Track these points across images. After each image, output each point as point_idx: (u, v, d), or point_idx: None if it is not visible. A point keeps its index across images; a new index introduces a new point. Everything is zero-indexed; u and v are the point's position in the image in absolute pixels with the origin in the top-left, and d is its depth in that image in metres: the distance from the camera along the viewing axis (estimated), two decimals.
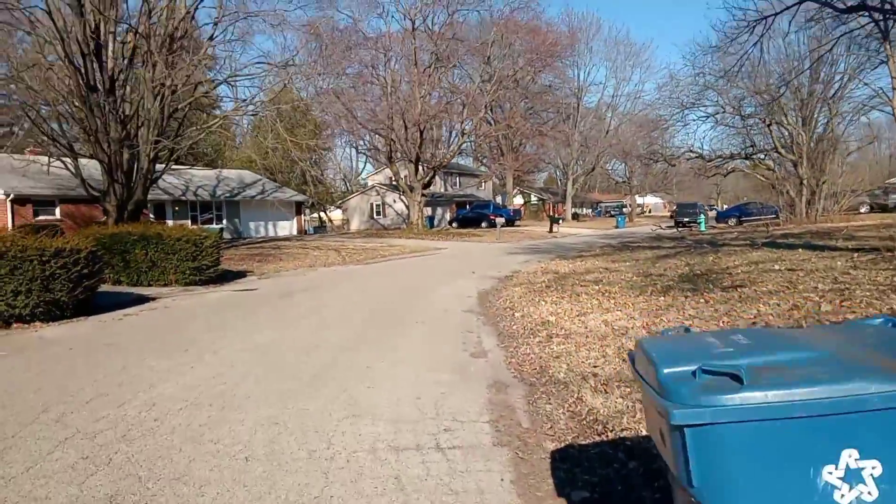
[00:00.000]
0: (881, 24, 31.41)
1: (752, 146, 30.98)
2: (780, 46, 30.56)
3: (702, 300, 8.29)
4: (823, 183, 27.10)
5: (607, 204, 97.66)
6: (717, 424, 1.73)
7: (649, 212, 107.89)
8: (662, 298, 8.80)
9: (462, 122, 39.47)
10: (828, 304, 7.04)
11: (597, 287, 10.70)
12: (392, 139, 38.99)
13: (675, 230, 39.25)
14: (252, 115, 32.26)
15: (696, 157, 32.82)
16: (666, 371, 1.90)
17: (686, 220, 46.44)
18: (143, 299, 12.44)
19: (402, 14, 39.02)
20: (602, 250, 21.74)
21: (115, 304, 11.53)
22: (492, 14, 39.14)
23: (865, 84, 32.24)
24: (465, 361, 6.71)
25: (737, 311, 7.32)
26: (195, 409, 5.16)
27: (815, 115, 32.21)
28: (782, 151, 28.48)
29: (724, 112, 29.19)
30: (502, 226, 39.21)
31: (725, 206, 66.01)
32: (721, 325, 6.64)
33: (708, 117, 29.73)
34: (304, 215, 55.59)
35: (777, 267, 10.59)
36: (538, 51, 41.11)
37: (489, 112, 42.32)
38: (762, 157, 31.96)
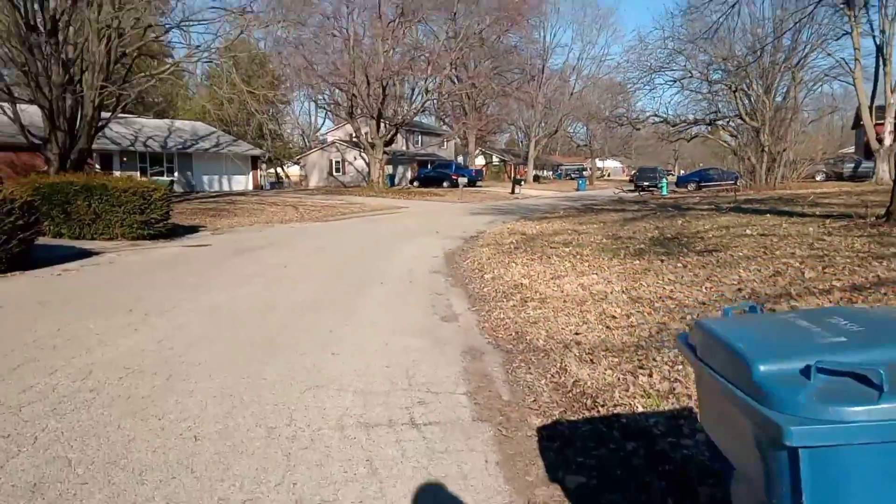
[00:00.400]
0: None
1: (716, 112, 31.03)
2: (750, 13, 30.43)
3: (678, 264, 8.01)
4: (783, 151, 27.31)
5: (568, 167, 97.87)
6: (846, 446, 1.29)
7: (608, 175, 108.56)
8: (637, 262, 8.50)
9: (427, 80, 38.38)
10: (810, 270, 6.81)
11: (567, 249, 10.35)
12: (354, 94, 37.74)
13: (636, 194, 39.38)
14: (206, 62, 30.55)
15: (661, 121, 32.70)
16: (764, 369, 1.44)
17: (646, 184, 46.65)
18: (85, 254, 11.60)
19: None
20: (566, 212, 21.49)
21: (54, 259, 10.70)
22: None
23: (829, 54, 32.49)
24: (435, 325, 6.28)
25: (717, 276, 7.04)
26: (138, 377, 4.61)
27: (777, 84, 32.39)
28: (746, 118, 28.53)
29: (691, 77, 29.07)
30: (465, 186, 38.70)
31: (684, 172, 66.64)
32: (705, 291, 6.34)
33: (675, 82, 29.59)
34: (261, 170, 54.00)
35: (749, 232, 10.41)
36: (506, 8, 40.08)
37: (454, 70, 41.29)
38: (726, 123, 32.03)
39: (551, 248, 10.78)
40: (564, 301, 6.59)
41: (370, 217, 23.07)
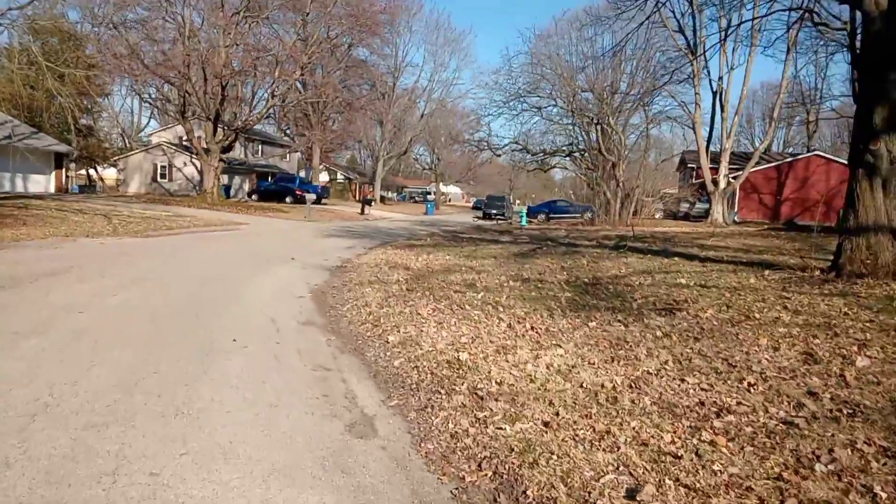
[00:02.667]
0: (691, 42, 33.25)
1: (573, 143, 31.09)
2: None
3: (651, 331, 6.05)
4: (637, 187, 27.72)
5: (412, 189, 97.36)
6: None
7: (449, 200, 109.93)
8: (592, 323, 6.45)
9: (273, 83, 34.73)
10: (842, 350, 5.14)
11: (479, 296, 8.12)
12: (187, 91, 33.14)
13: (493, 222, 38.69)
14: None
15: (521, 149, 32.22)
16: None
17: (494, 212, 46.55)
18: None
19: None
20: (434, 240, 19.44)
21: None
22: None
23: (671, 97, 34.01)
24: (342, 449, 3.67)
25: (732, 357, 5.12)
26: None
27: (628, 120, 33.33)
28: (605, 152, 28.66)
29: (555, 106, 28.82)
30: (312, 203, 35.49)
31: (531, 203, 68.10)
32: (754, 393, 4.36)
33: (538, 109, 29.09)
34: (70, 171, 46.44)
35: (683, 281, 8.88)
36: (361, 16, 37.73)
37: (302, 76, 37.97)
38: (582, 155, 32.21)
39: (455, 291, 8.48)
40: (548, 402, 4.24)
41: (205, 234, 19.36)
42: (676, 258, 11.65)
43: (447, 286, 8.94)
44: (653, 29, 32.33)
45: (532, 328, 6.22)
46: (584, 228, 24.81)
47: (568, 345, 5.56)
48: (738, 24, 28.97)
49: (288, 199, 43.28)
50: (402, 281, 9.55)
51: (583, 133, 30.51)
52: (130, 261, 11.54)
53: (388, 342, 6.08)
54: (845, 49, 35.41)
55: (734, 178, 33.26)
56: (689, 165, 44.92)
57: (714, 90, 33.82)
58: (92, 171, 53.28)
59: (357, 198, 70.29)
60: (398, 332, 6.37)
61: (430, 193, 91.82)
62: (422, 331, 6.34)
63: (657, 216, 35.49)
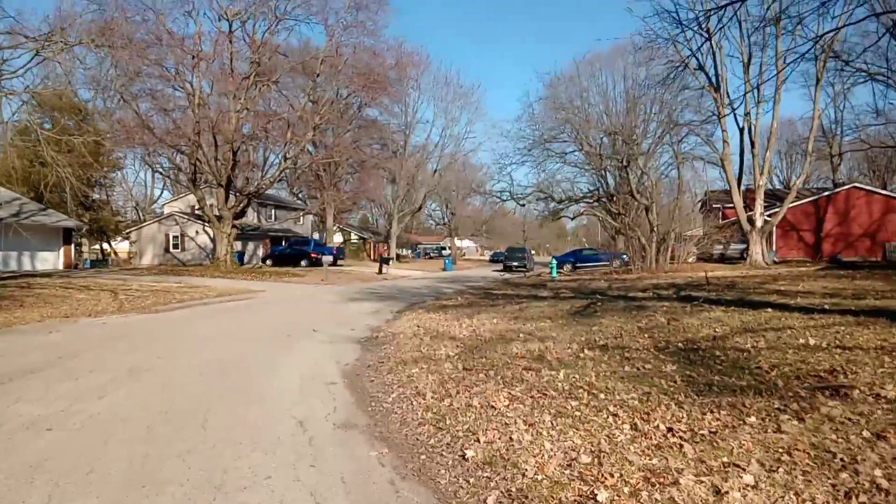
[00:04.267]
0: (712, 80, 32.14)
1: (599, 188, 29.63)
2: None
3: (849, 428, 4.30)
4: (672, 230, 26.08)
5: (426, 246, 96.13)
6: None
7: (464, 255, 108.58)
8: (752, 419, 4.60)
9: (286, 145, 33.84)
10: None
11: (558, 375, 6.36)
12: (198, 158, 32.30)
13: (516, 275, 37.03)
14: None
15: (545, 197, 30.79)
16: None
17: (515, 264, 44.89)
18: None
19: (216, 13, 32.89)
20: (466, 298, 17.72)
21: None
22: (326, 24, 34.25)
23: (696, 135, 32.65)
24: None
25: None
26: None
27: (657, 161, 31.97)
28: (637, 195, 27.12)
29: (581, 150, 27.47)
30: (329, 265, 34.05)
31: (556, 252, 66.38)
32: None
33: (565, 154, 27.82)
34: (82, 245, 45.64)
35: (810, 342, 7.10)
36: (371, 74, 37.13)
37: (315, 135, 37.16)
38: (608, 200, 30.70)
39: (526, 369, 6.72)
40: None
41: (218, 306, 17.81)
42: (769, 309, 9.85)
43: (512, 361, 7.21)
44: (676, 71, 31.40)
45: (670, 430, 4.44)
46: (622, 277, 23.05)
47: (750, 465, 3.74)
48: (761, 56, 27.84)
49: (303, 263, 42.00)
50: (454, 356, 7.83)
51: (611, 177, 29.18)
52: (131, 345, 9.93)
53: (466, 458, 4.34)
54: (869, 78, 34.27)
55: (769, 215, 31.53)
56: (714, 205, 43.31)
57: (740, 126, 32.46)
58: (105, 246, 52.54)
59: (372, 257, 69.11)
60: (476, 440, 4.64)
61: (444, 248, 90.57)
62: (510, 438, 4.59)
63: (691, 260, 33.61)
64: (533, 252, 57.62)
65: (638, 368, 6.46)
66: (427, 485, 4.02)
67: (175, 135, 30.94)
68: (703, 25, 27.15)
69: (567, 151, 28.15)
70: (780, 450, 3.97)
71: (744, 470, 3.66)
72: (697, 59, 32.14)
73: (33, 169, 35.96)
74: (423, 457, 4.54)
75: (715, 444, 4.16)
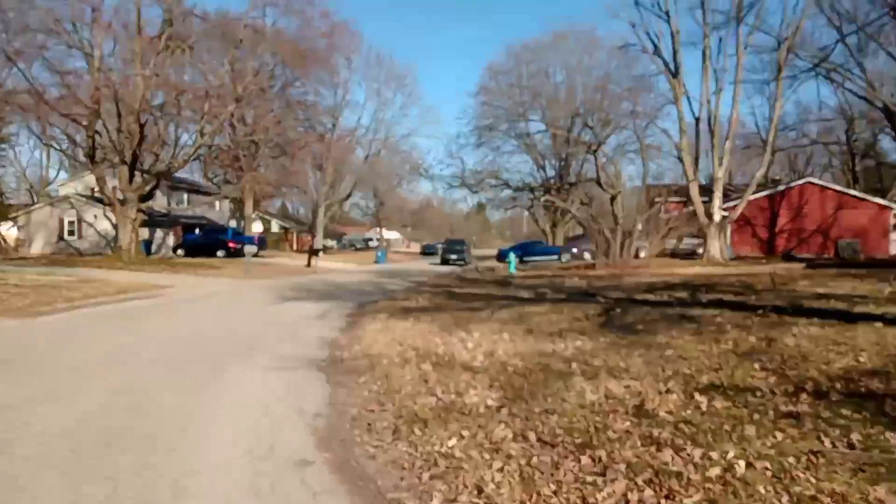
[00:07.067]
0: (669, 65, 30.60)
1: (554, 178, 27.32)
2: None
3: None
4: (636, 223, 24.14)
5: (352, 237, 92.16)
6: None
7: (390, 247, 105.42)
8: None
9: (202, 118, 29.53)
10: None
11: (711, 454, 3.70)
12: (97, 131, 27.66)
13: (452, 268, 34.40)
14: None
15: (502, 184, 28.19)
16: None
17: (454, 257, 42.40)
18: None
19: None
20: (429, 300, 14.83)
21: None
22: None
23: (655, 124, 31.02)
24: None
25: None
26: None
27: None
28: (603, 185, 24.96)
29: (547, 130, 25.03)
30: (253, 255, 30.26)
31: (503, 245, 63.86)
32: None
33: (529, 136, 25.20)
34: None
35: None
36: (302, 41, 33.33)
37: (238, 108, 32.94)
38: (567, 188, 28.47)
39: (651, 443, 3.99)
40: None
41: (116, 306, 14.13)
42: (878, 323, 7.51)
43: (605, 422, 4.42)
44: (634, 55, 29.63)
45: None
46: (592, 274, 20.80)
47: None
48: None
49: (220, 253, 37.70)
50: (496, 407, 4.95)
51: (552, 167, 26.82)
52: None
53: None
54: (821, 75, 33.82)
55: (725, 209, 30.28)
56: (655, 200, 42.18)
57: (696, 116, 31.04)
58: None
59: (294, 248, 64.75)
60: None
61: (371, 240, 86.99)
62: None
63: (642, 255, 31.80)
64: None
65: (832, 441, 3.84)
66: None
67: (69, 101, 26.20)
68: (662, 7, 25.20)
69: (536, 132, 25.64)
70: None
71: None
72: (654, 43, 30.58)
73: None
74: None
75: None
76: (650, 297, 11.93)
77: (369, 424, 4.92)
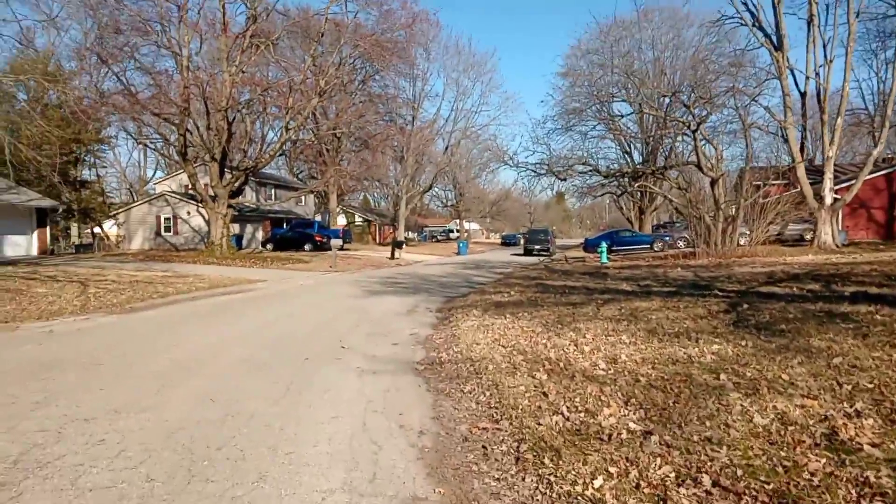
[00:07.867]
0: (771, 37, 28.17)
1: (649, 162, 25.67)
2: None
3: None
4: (741, 207, 22.26)
5: (432, 228, 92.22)
6: None
7: (469, 237, 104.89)
8: None
9: (287, 112, 29.75)
10: None
11: None
12: (187, 129, 28.35)
13: (537, 258, 33.28)
14: None
15: (591, 170, 26.85)
16: None
17: (538, 247, 41.23)
18: None
19: None
20: (521, 293, 13.96)
21: None
22: None
23: (755, 101, 28.68)
24: None
25: None
26: None
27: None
28: (704, 168, 23.18)
29: (638, 112, 23.52)
30: (339, 249, 30.29)
31: (589, 234, 62.17)
32: None
33: (622, 118, 23.84)
34: (70, 229, 41.75)
35: None
36: (383, 32, 33.00)
37: (321, 102, 33.07)
38: (661, 174, 26.74)
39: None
40: None
41: (208, 301, 14.08)
42: None
43: (792, 459, 3.48)
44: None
45: None
46: (694, 264, 19.29)
47: None
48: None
49: (307, 247, 38.24)
50: (639, 432, 4.08)
51: (671, 145, 25.09)
52: (52, 384, 6.19)
53: None
54: None
55: (837, 191, 27.63)
56: (755, 183, 39.34)
57: (802, 91, 28.50)
58: (98, 229, 48.40)
59: (378, 240, 65.26)
60: None
61: (451, 231, 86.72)
62: None
63: (741, 241, 29.64)
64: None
65: None
66: None
67: (160, 101, 26.90)
68: None
69: (629, 113, 24.12)
70: None
71: None
72: (752, 14, 28.26)
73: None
74: None
75: None
76: (776, 289, 10.57)
77: (485, 448, 4.17)
